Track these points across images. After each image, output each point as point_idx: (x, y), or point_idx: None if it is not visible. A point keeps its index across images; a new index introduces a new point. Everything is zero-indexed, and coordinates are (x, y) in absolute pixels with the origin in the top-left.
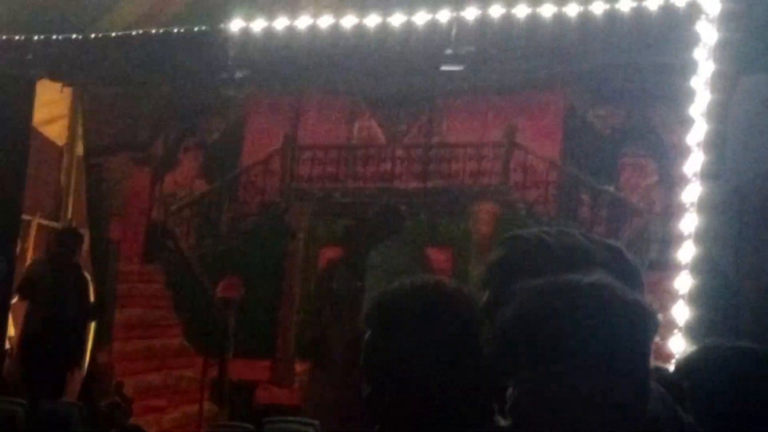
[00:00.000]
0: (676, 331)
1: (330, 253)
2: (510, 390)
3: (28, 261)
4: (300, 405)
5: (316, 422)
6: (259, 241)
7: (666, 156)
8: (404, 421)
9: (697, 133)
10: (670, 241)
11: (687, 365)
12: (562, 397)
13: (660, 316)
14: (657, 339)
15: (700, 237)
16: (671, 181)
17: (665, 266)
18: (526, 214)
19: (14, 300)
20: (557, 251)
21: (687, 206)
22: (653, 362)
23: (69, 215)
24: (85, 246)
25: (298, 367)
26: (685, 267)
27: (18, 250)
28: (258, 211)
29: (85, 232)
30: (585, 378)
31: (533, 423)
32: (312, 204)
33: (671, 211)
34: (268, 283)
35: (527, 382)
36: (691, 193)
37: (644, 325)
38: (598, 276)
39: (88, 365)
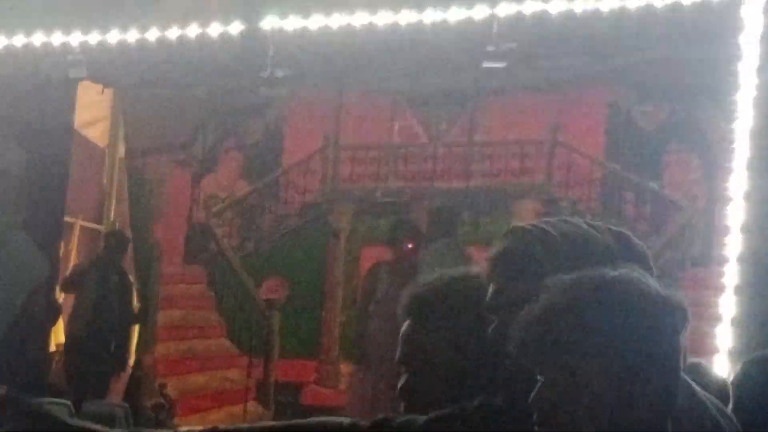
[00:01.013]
0: (722, 325)
1: (373, 253)
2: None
3: (72, 263)
4: (345, 406)
5: (361, 421)
6: (302, 241)
7: (710, 150)
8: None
9: (744, 123)
10: (713, 236)
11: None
12: (585, 392)
13: (689, 311)
14: (685, 333)
15: (747, 229)
16: (715, 176)
17: (709, 261)
18: (570, 212)
19: (60, 296)
20: (557, 240)
21: (733, 199)
22: (692, 357)
23: (111, 217)
24: (130, 248)
25: (344, 369)
26: (732, 260)
27: (61, 252)
28: (300, 211)
29: (128, 234)
30: (608, 373)
31: (557, 416)
32: (354, 204)
33: (715, 206)
34: (311, 284)
35: (551, 376)
36: (738, 185)
37: (672, 319)
38: (624, 270)
39: (132, 367)
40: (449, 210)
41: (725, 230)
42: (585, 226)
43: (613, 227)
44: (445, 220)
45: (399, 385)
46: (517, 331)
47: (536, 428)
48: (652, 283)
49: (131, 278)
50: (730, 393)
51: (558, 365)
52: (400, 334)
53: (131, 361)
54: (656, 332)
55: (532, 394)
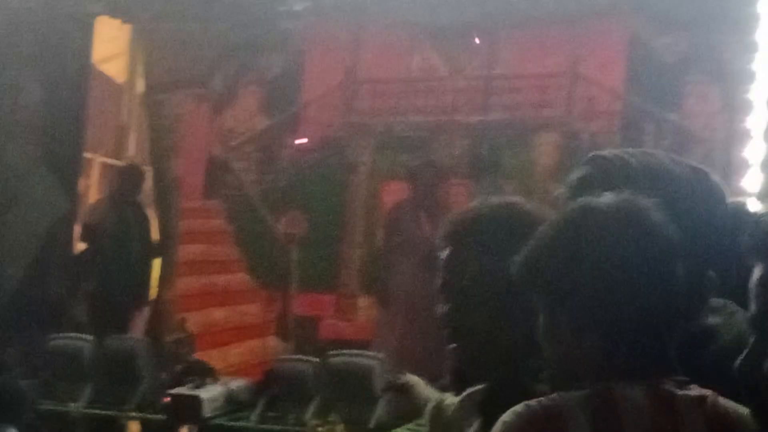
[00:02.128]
0: None
1: (393, 187)
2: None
3: (92, 198)
4: (363, 339)
5: (382, 355)
6: (321, 176)
7: (730, 82)
8: (481, 339)
9: (765, 55)
10: (733, 168)
11: None
12: (571, 327)
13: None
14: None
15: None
16: (735, 108)
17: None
18: (590, 145)
19: (80, 246)
20: (637, 170)
21: (752, 134)
22: None
23: (131, 153)
24: (148, 183)
25: (362, 302)
26: (751, 195)
27: (81, 188)
28: (319, 146)
29: (148, 170)
30: (601, 305)
31: (551, 350)
32: (373, 138)
33: (735, 138)
34: (330, 218)
35: (543, 307)
36: (757, 120)
37: (671, 251)
38: (622, 197)
39: (153, 302)
40: (489, 145)
41: (744, 164)
42: (666, 160)
43: (694, 163)
44: (483, 157)
45: (439, 313)
46: (519, 260)
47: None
48: (658, 217)
49: (149, 213)
50: None
51: (550, 296)
52: (441, 262)
53: (152, 295)
54: (653, 263)
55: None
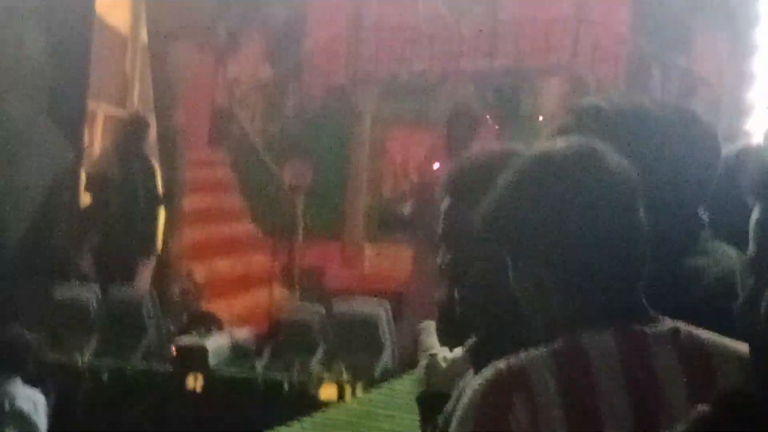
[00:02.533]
0: None
1: (398, 135)
2: None
3: (96, 149)
4: (369, 288)
5: (386, 303)
6: (326, 124)
7: (738, 26)
8: (478, 289)
9: None
10: (741, 112)
11: None
12: (534, 279)
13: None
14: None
15: None
16: (743, 52)
17: (736, 137)
18: (596, 90)
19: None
20: (610, 115)
21: (757, 76)
22: None
23: (135, 103)
24: (152, 134)
25: (368, 251)
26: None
27: (86, 138)
28: (324, 94)
29: (152, 120)
30: (561, 253)
31: (522, 303)
32: (378, 86)
33: (743, 81)
34: (335, 166)
35: (512, 256)
36: (764, 62)
37: (628, 192)
38: (574, 141)
39: (158, 253)
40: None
41: (752, 107)
42: (648, 104)
43: (681, 106)
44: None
45: (438, 262)
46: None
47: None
48: (614, 159)
49: (154, 163)
50: None
51: (511, 248)
52: (441, 212)
53: (158, 246)
54: (613, 205)
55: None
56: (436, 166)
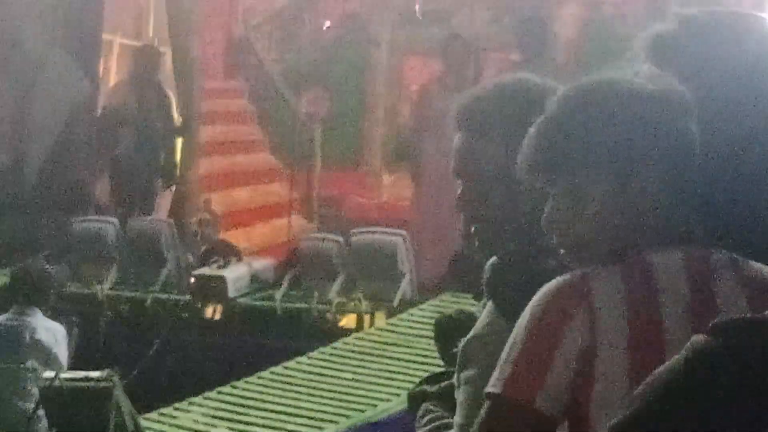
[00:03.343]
0: None
1: (414, 63)
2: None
3: (112, 81)
4: (387, 217)
5: (404, 232)
6: (342, 52)
7: None
8: (497, 221)
9: None
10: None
11: None
12: (590, 205)
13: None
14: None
15: None
16: None
17: None
18: (613, 16)
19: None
20: (721, 29)
21: None
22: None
23: (150, 34)
24: (168, 64)
25: (386, 180)
26: None
27: (102, 70)
28: (339, 22)
29: (167, 50)
30: (607, 180)
31: (567, 235)
32: (394, 13)
33: None
34: (352, 95)
35: (554, 192)
36: None
37: (668, 113)
38: (607, 76)
39: (176, 183)
40: (539, 23)
41: None
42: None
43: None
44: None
45: (456, 197)
46: (520, 150)
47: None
48: (640, 82)
49: (170, 93)
50: None
51: (560, 180)
52: (453, 147)
53: (176, 176)
54: (650, 128)
55: (543, 215)
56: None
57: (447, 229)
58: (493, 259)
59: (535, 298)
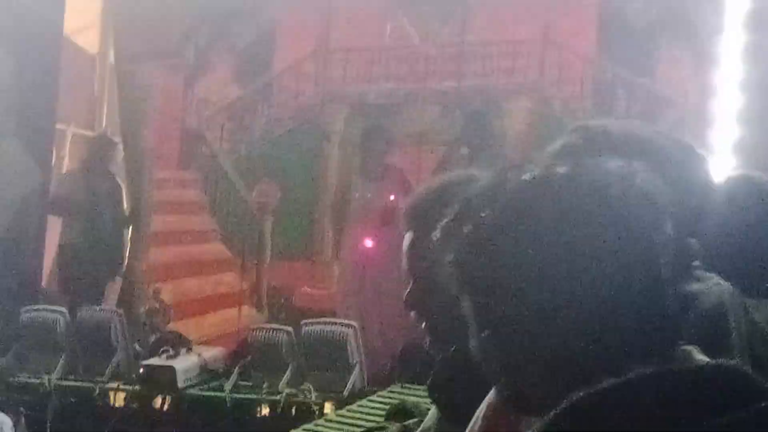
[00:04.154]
0: None
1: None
2: None
3: (65, 170)
4: (338, 308)
5: (355, 323)
6: (294, 144)
7: (701, 44)
8: (446, 321)
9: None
10: (706, 128)
11: None
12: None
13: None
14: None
15: (741, 118)
16: (707, 69)
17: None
18: (562, 111)
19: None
20: (618, 139)
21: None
22: None
23: (104, 124)
24: (120, 154)
25: (337, 270)
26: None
27: (54, 159)
28: (292, 114)
29: (120, 141)
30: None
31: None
32: (346, 106)
33: (707, 99)
34: (304, 187)
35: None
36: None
37: (646, 215)
38: (573, 163)
39: (126, 272)
40: (482, 115)
41: (715, 120)
42: (652, 132)
43: (681, 139)
44: (481, 129)
45: (405, 294)
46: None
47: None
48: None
49: (121, 182)
50: None
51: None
52: (403, 245)
53: (124, 266)
54: (631, 227)
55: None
56: (392, 197)
57: (397, 319)
58: (441, 356)
59: (483, 406)
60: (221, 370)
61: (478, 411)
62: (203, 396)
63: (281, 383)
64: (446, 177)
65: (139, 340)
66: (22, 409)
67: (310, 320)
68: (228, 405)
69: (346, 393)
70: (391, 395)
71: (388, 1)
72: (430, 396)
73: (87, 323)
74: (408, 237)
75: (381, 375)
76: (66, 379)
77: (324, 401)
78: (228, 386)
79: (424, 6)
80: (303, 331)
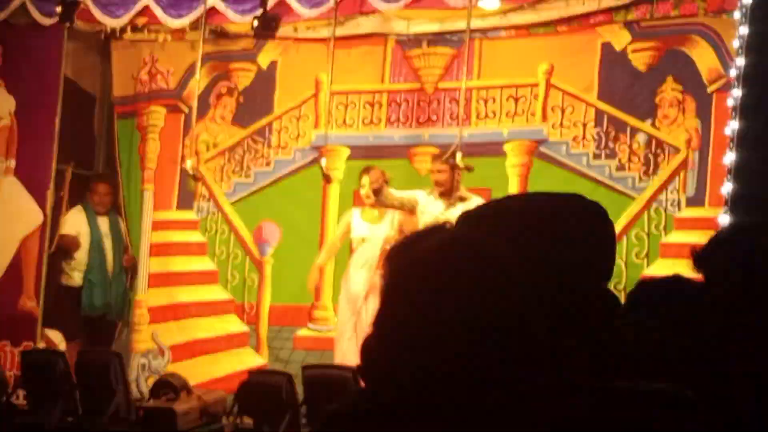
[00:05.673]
0: None
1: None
2: None
3: (64, 211)
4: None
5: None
6: (295, 187)
7: (704, 90)
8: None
9: (739, 62)
10: (708, 176)
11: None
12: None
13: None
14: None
15: (740, 172)
16: (709, 116)
17: (703, 202)
18: (564, 155)
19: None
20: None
21: (727, 141)
22: None
23: (103, 164)
24: (120, 195)
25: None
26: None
27: (53, 200)
28: (292, 157)
29: (119, 182)
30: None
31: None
32: (347, 149)
33: (710, 146)
34: (304, 229)
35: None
36: (731, 127)
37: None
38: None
39: (126, 314)
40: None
41: (720, 171)
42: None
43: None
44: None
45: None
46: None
47: None
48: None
49: (121, 224)
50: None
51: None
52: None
53: (125, 309)
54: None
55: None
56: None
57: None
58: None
59: None
60: (221, 413)
61: None
62: None
63: (281, 427)
64: (432, 226)
65: (138, 383)
66: None
67: (310, 364)
68: None
69: None
70: None
71: (390, 44)
72: None
73: (87, 365)
74: (383, 285)
75: None
76: (66, 422)
77: None
78: (228, 429)
79: (425, 49)
80: (304, 375)
